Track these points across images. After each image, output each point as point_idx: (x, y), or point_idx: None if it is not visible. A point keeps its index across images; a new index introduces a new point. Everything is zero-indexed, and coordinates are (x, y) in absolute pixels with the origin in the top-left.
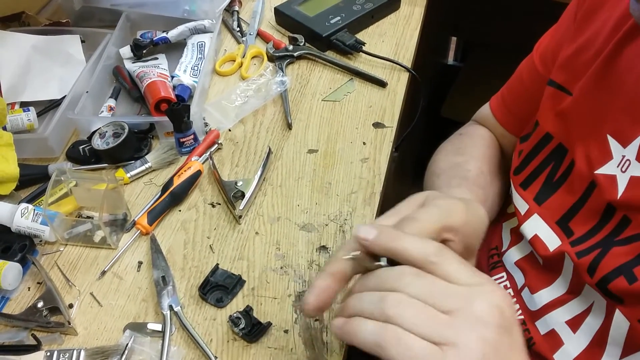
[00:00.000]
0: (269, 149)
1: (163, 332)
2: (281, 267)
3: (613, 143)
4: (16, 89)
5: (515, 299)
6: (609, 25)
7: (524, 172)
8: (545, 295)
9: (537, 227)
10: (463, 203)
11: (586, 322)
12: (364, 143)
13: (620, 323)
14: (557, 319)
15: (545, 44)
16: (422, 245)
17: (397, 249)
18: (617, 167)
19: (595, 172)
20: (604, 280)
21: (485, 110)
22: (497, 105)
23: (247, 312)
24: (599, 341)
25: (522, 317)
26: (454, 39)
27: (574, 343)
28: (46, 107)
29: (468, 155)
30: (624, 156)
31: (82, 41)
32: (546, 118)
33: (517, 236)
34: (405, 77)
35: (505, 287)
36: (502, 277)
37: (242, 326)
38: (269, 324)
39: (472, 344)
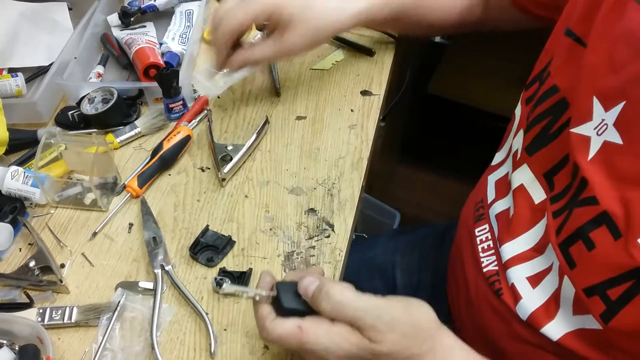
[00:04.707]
0: (266, 118)
1: (154, 290)
2: (270, 229)
3: (596, 104)
4: (4, 55)
5: (493, 250)
6: None
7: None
8: (509, 249)
9: (523, 177)
10: None
11: (547, 279)
12: (352, 110)
13: (567, 287)
14: (519, 274)
15: None
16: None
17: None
18: (594, 129)
19: (571, 130)
20: (567, 242)
21: None
22: None
23: (225, 271)
24: (556, 298)
25: (496, 267)
26: None
27: (532, 298)
28: (34, 74)
29: None
30: (603, 119)
31: (70, 8)
32: (558, 70)
33: (505, 188)
34: (392, 47)
35: (487, 238)
36: (485, 229)
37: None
38: (250, 270)
39: None
